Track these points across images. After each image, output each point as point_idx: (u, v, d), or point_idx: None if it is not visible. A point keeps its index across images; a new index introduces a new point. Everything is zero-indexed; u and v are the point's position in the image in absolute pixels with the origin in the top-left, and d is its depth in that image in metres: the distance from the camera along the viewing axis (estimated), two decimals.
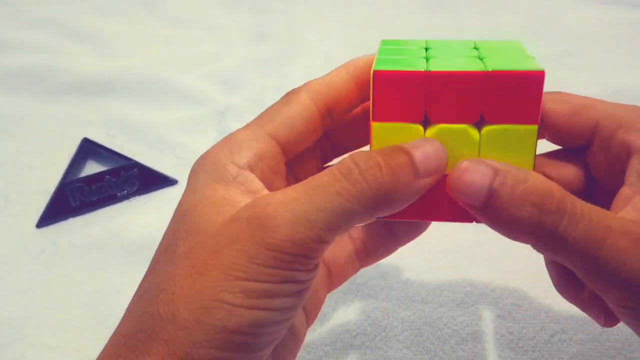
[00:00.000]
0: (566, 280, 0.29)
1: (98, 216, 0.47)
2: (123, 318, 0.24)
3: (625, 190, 0.26)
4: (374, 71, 0.24)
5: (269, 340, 0.23)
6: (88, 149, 0.51)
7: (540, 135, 0.29)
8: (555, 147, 0.30)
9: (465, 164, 0.24)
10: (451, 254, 0.42)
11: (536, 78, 0.23)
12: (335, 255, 0.30)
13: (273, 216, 0.21)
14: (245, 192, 0.24)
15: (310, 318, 0.29)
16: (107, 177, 0.48)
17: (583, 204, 0.23)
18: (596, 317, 0.28)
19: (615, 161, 0.27)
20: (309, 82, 0.28)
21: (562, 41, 0.68)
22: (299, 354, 0.36)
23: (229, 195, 0.24)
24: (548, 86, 0.48)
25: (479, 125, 0.25)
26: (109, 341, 0.24)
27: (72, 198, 0.47)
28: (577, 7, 0.74)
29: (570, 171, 0.29)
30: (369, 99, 0.28)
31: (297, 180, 0.29)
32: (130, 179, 0.49)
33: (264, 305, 0.21)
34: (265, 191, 0.25)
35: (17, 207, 0.47)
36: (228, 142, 0.26)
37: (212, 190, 0.24)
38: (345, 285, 0.40)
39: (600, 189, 0.28)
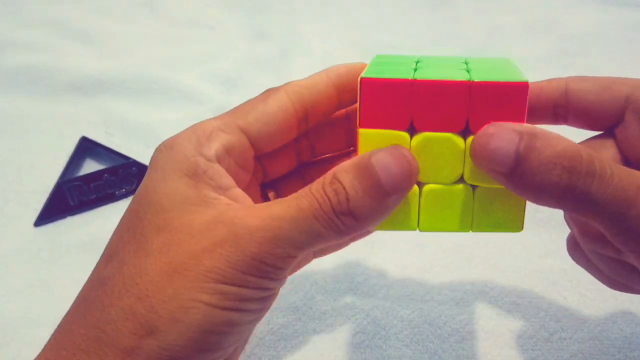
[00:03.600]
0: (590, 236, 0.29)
1: (96, 215, 0.47)
2: (80, 301, 0.24)
3: None
4: (361, 78, 0.24)
5: (236, 339, 0.24)
6: (86, 147, 0.51)
7: (562, 120, 0.29)
8: (579, 137, 0.30)
9: (491, 129, 0.23)
10: (450, 252, 0.42)
11: (520, 89, 0.24)
12: None
13: (260, 229, 0.23)
14: (215, 188, 0.24)
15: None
16: (106, 175, 0.48)
17: (612, 164, 0.23)
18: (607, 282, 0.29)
19: None
20: (290, 82, 0.28)
21: (561, 41, 0.68)
22: (297, 352, 0.36)
23: (202, 192, 0.24)
24: None
25: (464, 134, 0.25)
26: (59, 327, 0.24)
27: (71, 197, 0.47)
28: (576, 7, 0.74)
29: (608, 155, 0.28)
30: (347, 106, 0.29)
31: (266, 174, 0.30)
32: (129, 177, 0.48)
33: (238, 307, 0.23)
34: (236, 188, 0.25)
35: (15, 205, 0.47)
36: (196, 130, 0.26)
37: (183, 184, 0.24)
38: (344, 284, 0.40)
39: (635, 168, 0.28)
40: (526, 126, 0.23)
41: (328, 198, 0.23)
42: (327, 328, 0.37)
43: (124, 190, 0.48)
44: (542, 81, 0.29)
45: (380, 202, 0.23)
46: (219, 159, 0.25)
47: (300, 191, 0.24)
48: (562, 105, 0.28)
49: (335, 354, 0.36)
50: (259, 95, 0.27)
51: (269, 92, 0.27)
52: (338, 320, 0.38)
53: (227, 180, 0.25)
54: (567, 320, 0.38)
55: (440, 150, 0.25)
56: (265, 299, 0.24)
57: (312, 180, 0.31)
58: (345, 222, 0.23)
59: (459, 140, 0.25)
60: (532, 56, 0.65)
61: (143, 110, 0.56)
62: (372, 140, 0.25)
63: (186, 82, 0.60)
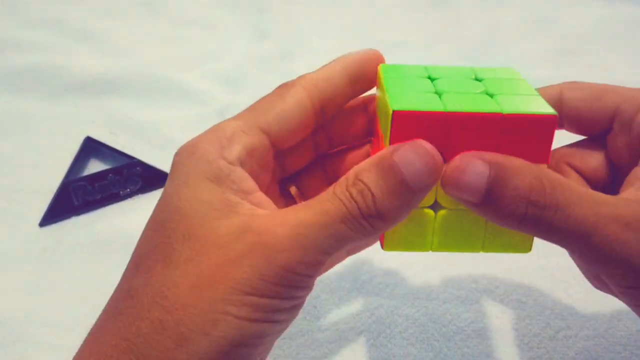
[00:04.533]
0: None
1: (101, 215, 0.47)
2: (110, 312, 0.24)
3: (637, 171, 0.26)
4: (393, 111, 0.24)
5: (266, 348, 0.24)
6: (91, 147, 0.51)
7: (559, 126, 0.29)
8: (576, 137, 0.30)
9: (460, 162, 0.24)
10: None
11: (550, 121, 0.24)
12: None
13: (287, 237, 0.22)
14: (238, 192, 0.24)
15: None
16: (110, 175, 0.48)
17: (574, 190, 0.23)
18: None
19: (635, 144, 0.27)
20: (305, 75, 0.27)
21: (563, 39, 0.68)
22: (303, 351, 0.36)
23: (225, 196, 0.24)
24: (551, 84, 0.49)
25: None
26: (90, 336, 0.24)
27: (75, 197, 0.47)
28: (578, 5, 0.74)
29: (594, 160, 0.29)
30: (360, 94, 0.29)
31: (285, 171, 0.30)
32: (133, 177, 0.49)
33: (269, 318, 0.22)
34: (259, 192, 0.25)
35: (20, 206, 0.47)
36: (217, 132, 0.25)
37: (206, 189, 0.24)
38: (349, 282, 0.40)
39: (622, 176, 0.28)
40: (496, 156, 0.24)
41: (354, 200, 0.23)
42: (332, 327, 0.37)
43: (128, 190, 0.48)
44: (538, 89, 0.29)
45: (407, 200, 0.23)
46: (241, 162, 0.25)
47: (323, 194, 0.23)
48: (557, 111, 0.28)
49: (340, 352, 0.36)
50: (275, 91, 0.27)
51: (285, 87, 0.27)
52: (343, 319, 0.38)
53: (250, 183, 0.25)
54: (573, 318, 0.38)
55: None
56: (294, 307, 0.24)
57: (333, 172, 0.31)
58: (372, 223, 0.23)
59: None
60: (533, 54, 0.65)
61: (147, 110, 0.57)
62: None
63: (189, 82, 0.60)
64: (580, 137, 0.30)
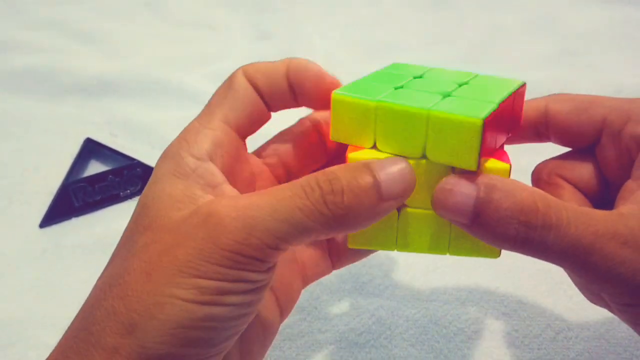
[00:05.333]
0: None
1: (101, 216, 0.47)
2: (80, 310, 0.24)
3: (629, 184, 0.26)
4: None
5: (227, 335, 0.23)
6: (91, 149, 0.51)
7: (546, 138, 0.29)
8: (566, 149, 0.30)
9: (449, 183, 0.24)
10: None
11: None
12: (309, 253, 0.30)
13: (233, 218, 0.22)
14: (204, 186, 0.24)
15: (284, 313, 0.29)
16: (110, 176, 0.48)
17: (569, 210, 0.23)
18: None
19: (625, 156, 0.27)
20: (245, 66, 0.28)
21: (563, 40, 0.68)
22: (303, 352, 0.36)
23: (188, 190, 0.24)
24: (550, 85, 0.49)
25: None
26: (64, 334, 0.24)
27: (75, 198, 0.47)
28: (578, 5, 0.74)
29: (586, 171, 0.28)
30: (303, 104, 0.29)
31: (290, 174, 0.30)
32: (133, 178, 0.49)
33: (218, 301, 0.22)
34: (226, 184, 0.25)
35: (20, 207, 0.47)
36: (184, 134, 0.26)
37: (170, 184, 0.24)
38: (349, 284, 0.40)
39: (614, 187, 0.28)
40: (486, 177, 0.23)
41: (319, 186, 0.22)
42: (332, 328, 0.37)
43: (128, 191, 0.48)
44: (526, 101, 0.29)
45: (375, 205, 0.23)
46: (210, 156, 0.25)
47: (286, 183, 0.23)
48: (543, 124, 0.29)
49: (341, 354, 0.36)
50: (222, 85, 0.28)
51: (231, 76, 0.27)
52: (343, 320, 0.38)
53: (218, 177, 0.25)
54: (573, 319, 0.38)
55: (427, 177, 0.25)
56: (250, 291, 0.23)
57: None
58: (335, 213, 0.22)
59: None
60: (535, 55, 0.65)
61: (147, 111, 0.57)
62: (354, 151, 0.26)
63: (189, 82, 0.60)
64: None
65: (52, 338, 0.40)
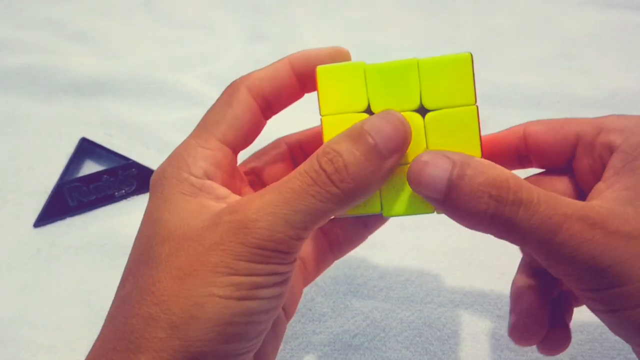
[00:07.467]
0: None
1: (96, 216, 0.46)
2: (107, 323, 0.25)
3: (599, 186, 0.26)
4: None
5: (260, 329, 0.24)
6: (86, 148, 0.51)
7: (528, 164, 0.30)
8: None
9: (425, 156, 0.25)
10: (450, 255, 0.42)
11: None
12: (309, 250, 0.31)
13: (255, 219, 0.23)
14: (215, 199, 0.25)
15: (288, 314, 0.30)
16: (105, 176, 0.48)
17: (540, 191, 0.24)
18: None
19: (598, 163, 0.27)
20: (250, 75, 0.28)
21: (560, 44, 0.68)
22: (297, 354, 0.36)
23: (202, 203, 0.25)
24: (545, 88, 0.49)
25: (421, 112, 0.26)
26: (93, 347, 0.24)
27: (70, 198, 0.47)
28: (575, 9, 0.74)
29: (563, 185, 0.29)
30: (311, 91, 0.29)
31: (255, 172, 0.31)
32: (128, 178, 0.48)
33: (252, 295, 0.23)
34: (233, 196, 0.26)
35: (14, 206, 0.47)
36: (181, 154, 0.27)
37: (183, 201, 0.25)
38: (344, 285, 0.40)
39: None
40: (460, 154, 0.24)
41: (323, 170, 0.23)
42: (326, 330, 0.37)
43: (123, 191, 0.48)
44: (503, 131, 0.30)
45: (378, 165, 0.24)
46: (209, 176, 0.26)
47: (291, 173, 0.24)
48: (523, 148, 0.29)
49: (335, 356, 0.36)
50: (221, 98, 0.28)
51: (231, 90, 0.28)
52: (337, 322, 0.38)
53: (223, 191, 0.26)
54: None
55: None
56: (279, 284, 0.24)
57: None
58: (344, 188, 0.23)
59: (417, 118, 0.26)
60: (531, 58, 0.66)
61: (142, 111, 0.56)
62: (335, 125, 0.26)
63: (185, 83, 0.60)
64: None
65: (45, 338, 0.40)
